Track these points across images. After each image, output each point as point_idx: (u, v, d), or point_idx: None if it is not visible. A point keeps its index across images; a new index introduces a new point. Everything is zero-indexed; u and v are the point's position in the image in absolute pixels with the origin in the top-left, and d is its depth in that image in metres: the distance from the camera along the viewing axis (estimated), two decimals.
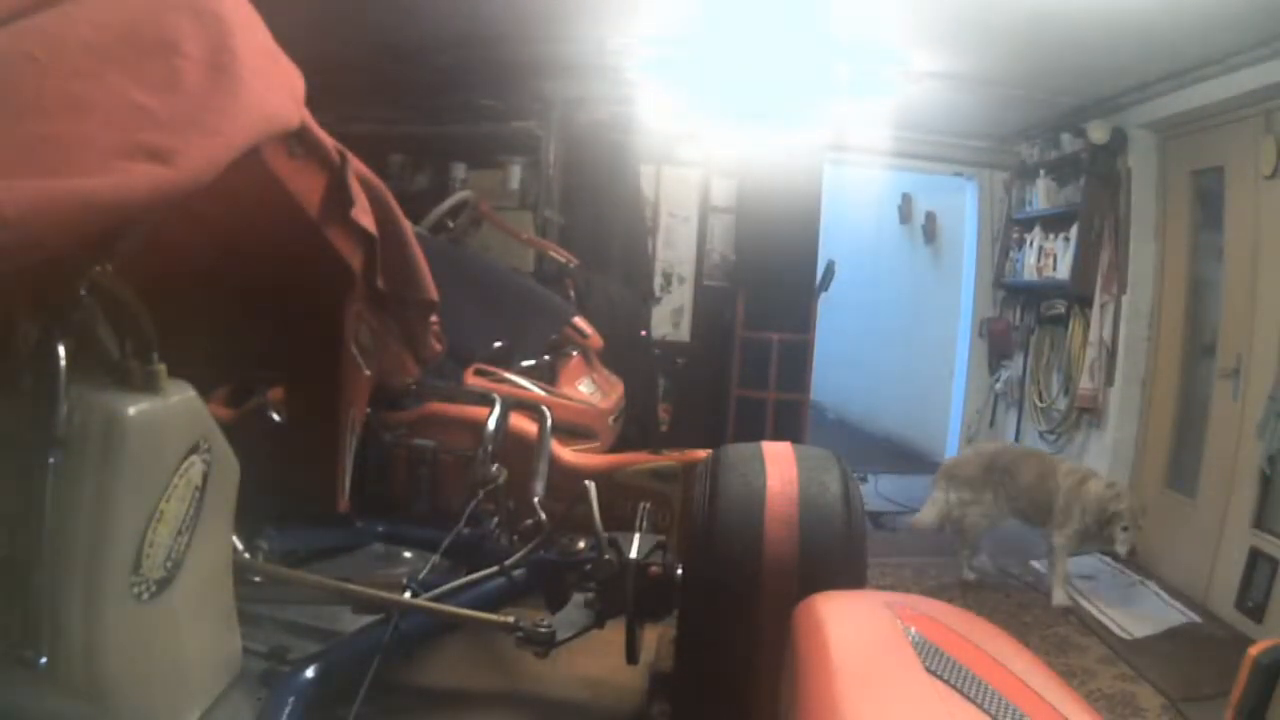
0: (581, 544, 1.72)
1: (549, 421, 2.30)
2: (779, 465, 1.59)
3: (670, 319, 5.61)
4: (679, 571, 1.62)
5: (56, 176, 0.75)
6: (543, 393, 2.72)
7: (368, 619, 1.56)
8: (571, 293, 3.91)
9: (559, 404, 2.65)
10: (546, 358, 3.03)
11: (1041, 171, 5.35)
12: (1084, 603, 3.94)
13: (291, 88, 1.13)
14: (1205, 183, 4.36)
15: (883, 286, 7.82)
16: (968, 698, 0.81)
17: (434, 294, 1.74)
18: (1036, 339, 5.61)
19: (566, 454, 2.44)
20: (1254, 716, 2.12)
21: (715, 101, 4.94)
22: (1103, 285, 4.77)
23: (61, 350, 1.01)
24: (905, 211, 7.39)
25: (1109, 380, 4.81)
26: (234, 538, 1.48)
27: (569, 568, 1.71)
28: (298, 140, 1.18)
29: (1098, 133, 4.69)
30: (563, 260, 4.21)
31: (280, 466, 1.84)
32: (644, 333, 4.91)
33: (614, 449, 2.93)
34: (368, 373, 1.80)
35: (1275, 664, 2.12)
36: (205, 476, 1.21)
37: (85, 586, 1.01)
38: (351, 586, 1.60)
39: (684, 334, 5.63)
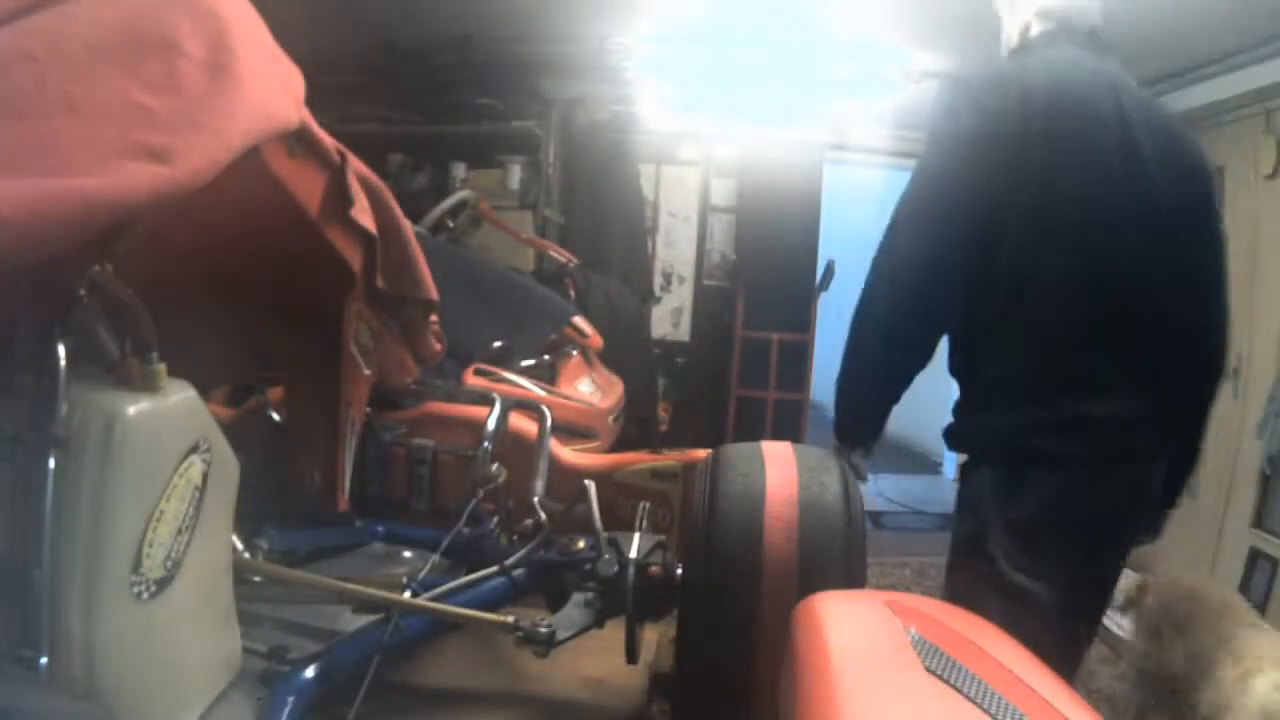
0: (581, 544, 1.72)
1: (549, 421, 2.30)
2: (779, 465, 1.58)
3: (670, 319, 5.60)
4: (679, 571, 1.62)
5: (56, 176, 0.75)
6: (543, 392, 2.72)
7: (368, 619, 1.56)
8: (571, 293, 3.91)
9: (559, 404, 2.65)
10: (546, 358, 3.03)
11: None
12: None
13: (291, 88, 1.14)
14: None
15: None
16: (968, 698, 0.81)
17: (434, 294, 1.74)
18: None
19: (566, 454, 2.44)
20: None
21: (715, 101, 4.93)
22: None
23: (61, 350, 1.01)
24: None
25: None
26: (234, 538, 1.49)
27: (569, 568, 1.71)
28: (298, 140, 1.18)
29: None
30: (563, 260, 4.21)
31: (280, 467, 1.85)
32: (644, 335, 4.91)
33: (614, 449, 2.93)
34: (368, 373, 1.80)
35: None
36: (205, 476, 1.21)
37: (85, 586, 1.01)
38: (351, 586, 1.60)
39: (684, 334, 5.62)
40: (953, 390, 1.80)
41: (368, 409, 2.09)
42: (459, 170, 4.75)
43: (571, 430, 2.66)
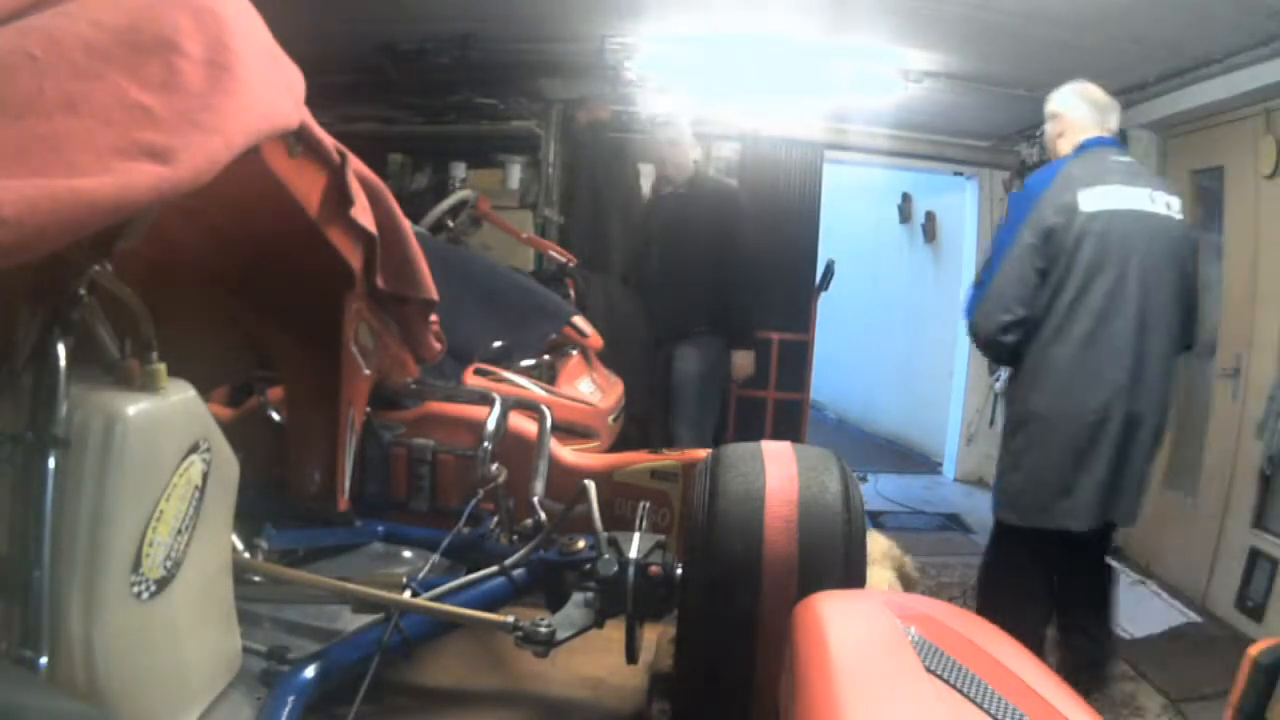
0: (581, 544, 1.72)
1: (549, 421, 2.30)
2: (779, 465, 1.58)
3: None
4: (679, 571, 1.62)
5: (56, 176, 0.75)
6: (543, 392, 2.72)
7: (368, 619, 1.56)
8: (571, 293, 3.91)
9: (559, 404, 2.65)
10: (546, 357, 3.03)
11: None
12: None
13: (291, 87, 1.14)
14: (1205, 183, 4.36)
15: (883, 286, 7.81)
16: (968, 698, 0.81)
17: (434, 293, 1.74)
18: None
19: (566, 453, 2.44)
20: (1254, 716, 2.12)
21: (715, 101, 4.93)
22: None
23: (61, 350, 1.01)
24: (905, 211, 7.38)
25: None
26: (234, 537, 1.49)
27: (569, 567, 1.71)
28: (297, 140, 1.18)
29: None
30: (563, 260, 4.21)
31: (280, 467, 1.85)
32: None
33: (614, 449, 2.93)
34: (368, 372, 1.80)
35: (1275, 664, 2.12)
36: (205, 476, 1.21)
37: (85, 586, 1.01)
38: (351, 586, 1.60)
39: None
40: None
41: (368, 409, 2.09)
42: (459, 170, 4.75)
43: (571, 430, 2.66)
